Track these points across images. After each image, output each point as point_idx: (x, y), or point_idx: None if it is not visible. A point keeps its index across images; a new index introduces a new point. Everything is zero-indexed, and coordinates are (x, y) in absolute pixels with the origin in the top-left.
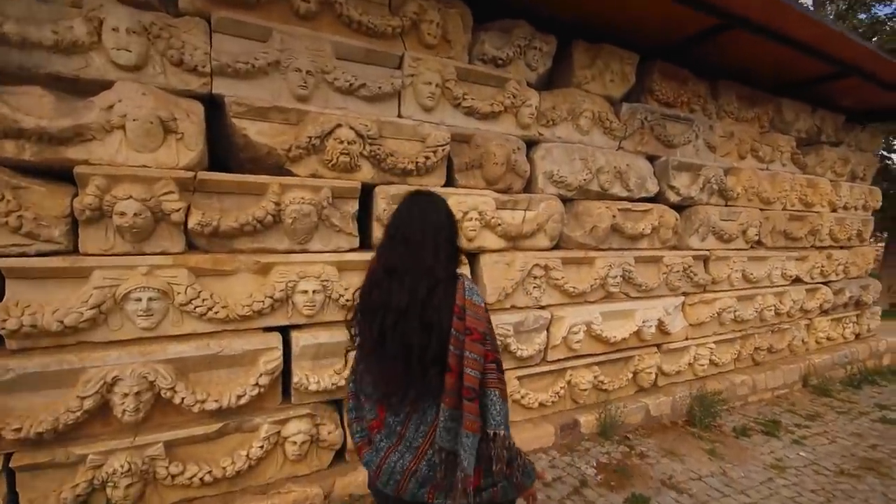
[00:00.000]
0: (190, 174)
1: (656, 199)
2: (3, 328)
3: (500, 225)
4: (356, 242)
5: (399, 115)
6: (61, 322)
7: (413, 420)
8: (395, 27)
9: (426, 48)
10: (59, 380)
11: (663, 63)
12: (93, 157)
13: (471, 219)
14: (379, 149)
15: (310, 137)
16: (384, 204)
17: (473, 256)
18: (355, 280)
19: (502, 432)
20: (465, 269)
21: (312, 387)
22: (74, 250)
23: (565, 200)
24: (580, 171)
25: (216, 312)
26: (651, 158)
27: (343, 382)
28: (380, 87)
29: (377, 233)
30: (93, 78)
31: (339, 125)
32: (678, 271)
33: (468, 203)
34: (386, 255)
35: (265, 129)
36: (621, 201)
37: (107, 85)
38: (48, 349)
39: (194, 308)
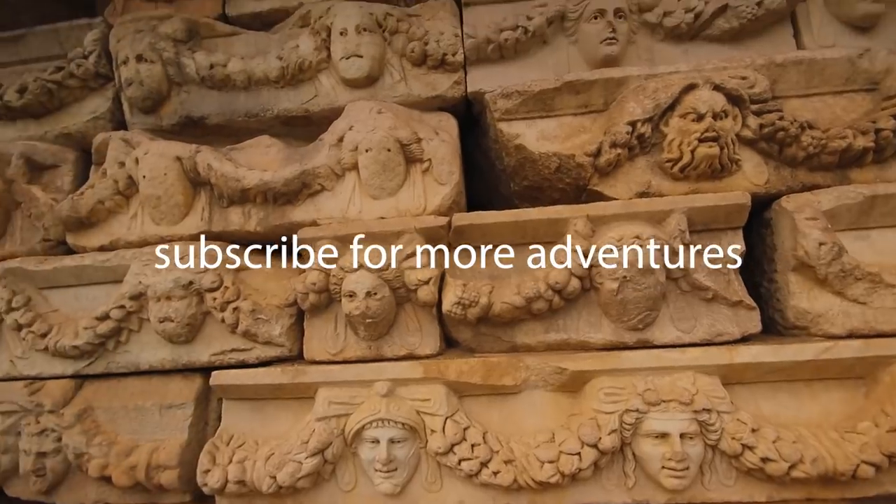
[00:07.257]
0: (441, 221)
1: None
2: (206, 484)
3: None
4: (756, 321)
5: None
6: (273, 479)
7: None
8: None
9: None
10: None
11: None
12: (322, 215)
13: None
14: (779, 121)
15: (633, 123)
16: (814, 230)
17: None
18: (766, 407)
19: None
20: None
21: None
22: (299, 355)
23: None
24: None
25: (495, 472)
26: None
27: None
28: (758, 4)
29: (799, 300)
30: (323, 108)
31: (690, 86)
32: None
33: None
34: None
35: (550, 128)
36: None
37: (339, 114)
38: None
39: (458, 462)
